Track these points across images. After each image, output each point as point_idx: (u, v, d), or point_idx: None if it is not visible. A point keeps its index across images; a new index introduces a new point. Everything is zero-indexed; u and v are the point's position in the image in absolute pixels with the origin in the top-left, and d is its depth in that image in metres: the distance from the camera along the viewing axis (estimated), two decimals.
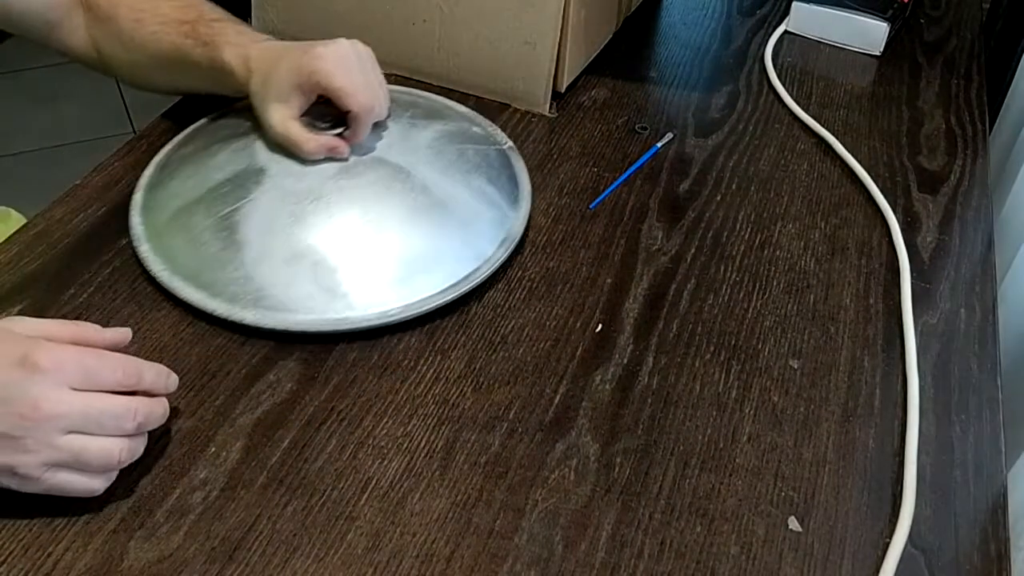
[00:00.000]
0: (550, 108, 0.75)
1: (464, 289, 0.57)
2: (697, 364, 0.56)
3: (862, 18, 0.87)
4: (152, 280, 0.58)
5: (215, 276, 0.56)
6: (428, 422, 0.51)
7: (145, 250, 0.58)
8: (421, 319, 0.56)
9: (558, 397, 0.53)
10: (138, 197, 0.62)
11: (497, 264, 0.59)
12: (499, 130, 0.70)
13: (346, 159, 0.60)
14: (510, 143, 0.69)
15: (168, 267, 0.57)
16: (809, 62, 0.86)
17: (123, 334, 0.48)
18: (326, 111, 0.61)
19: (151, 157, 0.67)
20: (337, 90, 0.58)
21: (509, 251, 0.60)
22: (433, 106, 0.71)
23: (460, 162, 0.64)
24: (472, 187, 0.62)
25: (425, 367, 0.54)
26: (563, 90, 0.77)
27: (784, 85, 0.82)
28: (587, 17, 0.76)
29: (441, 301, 0.56)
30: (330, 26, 0.79)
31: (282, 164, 0.60)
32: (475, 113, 0.72)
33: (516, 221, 0.62)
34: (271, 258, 0.56)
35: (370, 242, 0.58)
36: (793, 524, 0.48)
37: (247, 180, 0.59)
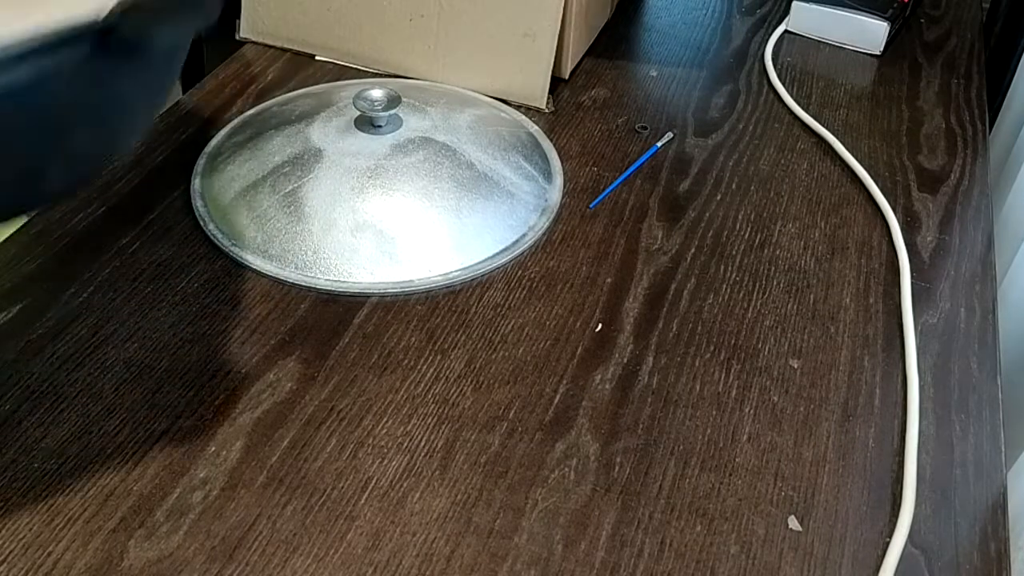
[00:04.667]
0: (547, 103, 0.76)
1: (515, 253, 0.62)
2: (697, 363, 0.56)
3: (862, 18, 0.87)
4: (153, 277, 0.58)
5: (284, 248, 0.60)
6: (428, 421, 0.51)
7: (212, 229, 0.62)
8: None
9: (558, 397, 0.53)
10: (196, 183, 0.66)
11: (541, 231, 0.64)
12: (524, 116, 0.75)
13: None
14: (536, 127, 0.74)
15: (238, 243, 0.61)
16: (809, 62, 0.86)
17: None
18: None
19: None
20: None
21: (550, 219, 0.65)
22: (461, 95, 0.76)
23: (498, 141, 0.69)
24: (511, 163, 0.67)
25: (425, 367, 0.54)
26: (567, 76, 0.77)
27: (784, 85, 0.82)
28: (588, 2, 0.77)
29: (496, 264, 0.61)
30: (325, 25, 0.79)
31: (337, 145, 0.64)
32: (499, 102, 0.76)
33: (553, 192, 0.68)
34: (337, 229, 0.60)
35: (426, 213, 0.62)
36: (793, 524, 0.48)
37: (306, 161, 0.64)
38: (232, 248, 0.61)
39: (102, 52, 0.31)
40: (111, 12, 0.30)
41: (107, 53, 0.31)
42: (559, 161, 0.71)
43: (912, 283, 0.62)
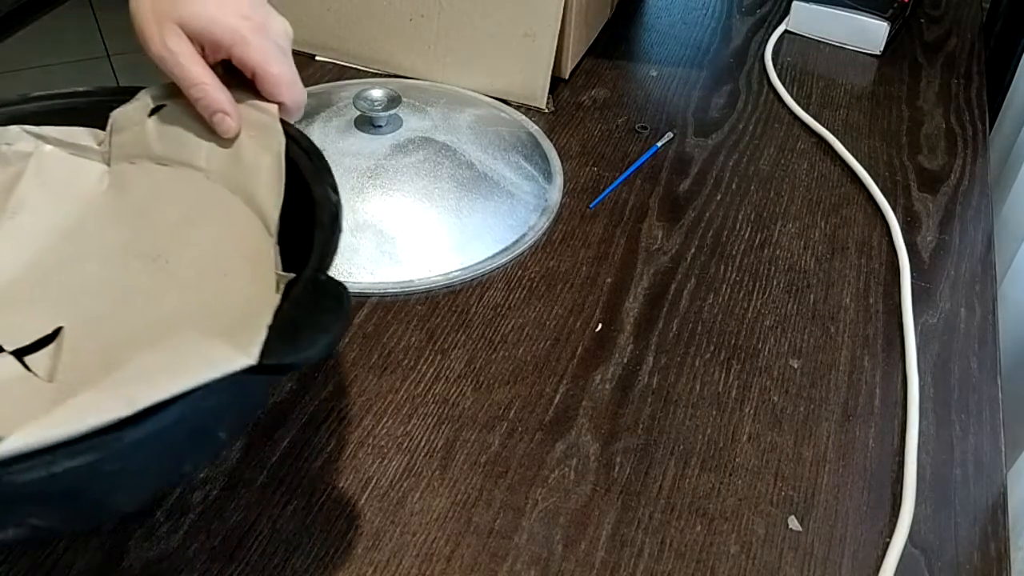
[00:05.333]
0: (547, 103, 0.76)
1: (515, 253, 0.62)
2: (697, 364, 0.56)
3: (862, 17, 0.87)
4: None
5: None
6: (428, 421, 0.51)
7: None
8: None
9: (558, 397, 0.53)
10: None
11: (540, 231, 0.64)
12: (524, 116, 0.75)
13: (231, 137, 0.48)
14: (536, 127, 0.74)
15: None
16: (809, 62, 0.86)
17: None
18: None
19: None
20: (273, 76, 0.47)
21: (550, 220, 0.65)
22: (461, 95, 0.76)
23: (498, 141, 0.69)
24: (511, 163, 0.67)
25: (425, 366, 0.54)
26: (567, 76, 0.77)
27: (784, 85, 0.82)
28: (588, 2, 0.77)
29: (496, 264, 0.61)
30: (325, 25, 0.79)
31: (337, 145, 0.64)
32: (499, 102, 0.76)
33: (553, 192, 0.68)
34: None
35: (426, 213, 0.62)
36: (793, 523, 0.48)
37: None
38: None
39: (249, 378, 0.34)
40: (261, 353, 0.34)
41: (254, 377, 0.34)
42: (559, 161, 0.71)
43: (912, 283, 0.62)
